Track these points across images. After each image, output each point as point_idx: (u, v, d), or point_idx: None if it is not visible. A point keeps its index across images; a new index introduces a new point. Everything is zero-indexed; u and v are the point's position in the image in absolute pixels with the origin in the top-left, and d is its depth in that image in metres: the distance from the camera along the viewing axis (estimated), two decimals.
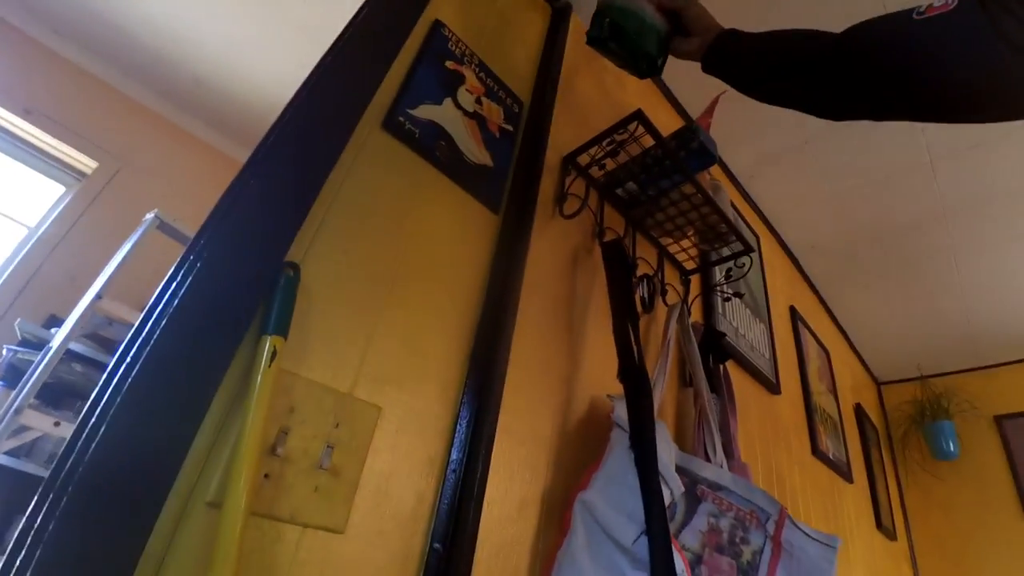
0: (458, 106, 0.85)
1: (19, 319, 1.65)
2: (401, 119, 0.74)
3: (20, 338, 1.64)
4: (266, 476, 0.48)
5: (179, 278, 0.49)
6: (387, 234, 0.68)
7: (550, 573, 0.66)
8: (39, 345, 1.55)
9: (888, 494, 2.33)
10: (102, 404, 0.41)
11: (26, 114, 2.03)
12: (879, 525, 2.08)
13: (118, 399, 0.41)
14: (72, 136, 2.13)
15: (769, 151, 1.77)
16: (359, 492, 0.54)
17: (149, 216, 1.63)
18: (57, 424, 1.40)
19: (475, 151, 0.84)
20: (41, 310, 1.87)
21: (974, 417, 2.53)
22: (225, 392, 0.48)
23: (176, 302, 0.47)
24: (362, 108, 0.69)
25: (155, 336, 0.45)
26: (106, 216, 2.13)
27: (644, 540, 0.63)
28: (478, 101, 0.89)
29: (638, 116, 0.91)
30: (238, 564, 0.41)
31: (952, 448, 2.46)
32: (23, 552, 0.36)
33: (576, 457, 0.79)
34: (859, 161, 1.76)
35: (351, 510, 0.53)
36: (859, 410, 2.37)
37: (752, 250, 1.18)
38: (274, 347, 0.49)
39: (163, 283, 0.49)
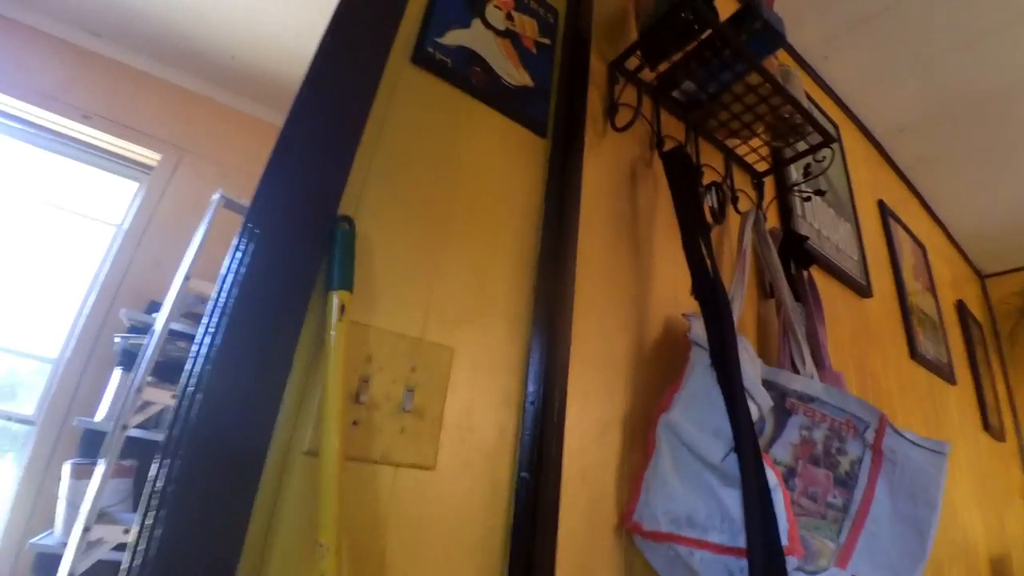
0: (488, 26, 0.79)
1: (123, 309, 1.83)
2: (430, 50, 0.70)
3: (127, 326, 1.82)
4: (355, 423, 0.50)
5: (242, 247, 0.49)
6: (435, 174, 0.65)
7: (638, 493, 0.66)
8: (144, 329, 1.71)
9: (995, 393, 2.16)
10: (195, 374, 0.44)
11: (85, 119, 2.14)
12: (986, 426, 1.95)
13: (208, 367, 0.43)
14: (132, 133, 2.23)
15: (841, 23, 1.53)
16: (443, 430, 0.56)
17: (215, 196, 1.70)
18: (174, 396, 1.57)
19: (512, 72, 0.78)
20: (141, 298, 2.06)
21: None
22: (304, 349, 0.49)
23: (243, 270, 0.48)
24: (388, 44, 0.65)
25: (230, 304, 0.46)
26: (178, 202, 2.26)
27: (733, 457, 0.61)
28: (509, 16, 0.82)
29: (689, 1, 0.80)
30: (341, 504, 0.43)
31: None
32: (153, 513, 0.39)
33: (654, 378, 0.76)
34: (945, 19, 1.48)
35: (438, 447, 0.55)
36: (961, 307, 2.17)
37: (834, 140, 1.05)
38: (342, 301, 0.50)
39: (229, 254, 0.50)
